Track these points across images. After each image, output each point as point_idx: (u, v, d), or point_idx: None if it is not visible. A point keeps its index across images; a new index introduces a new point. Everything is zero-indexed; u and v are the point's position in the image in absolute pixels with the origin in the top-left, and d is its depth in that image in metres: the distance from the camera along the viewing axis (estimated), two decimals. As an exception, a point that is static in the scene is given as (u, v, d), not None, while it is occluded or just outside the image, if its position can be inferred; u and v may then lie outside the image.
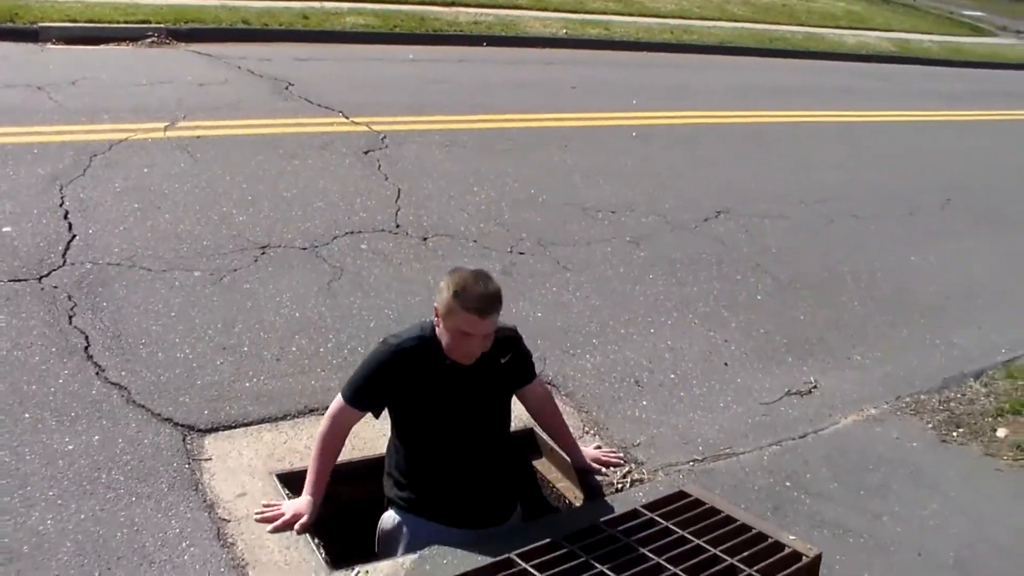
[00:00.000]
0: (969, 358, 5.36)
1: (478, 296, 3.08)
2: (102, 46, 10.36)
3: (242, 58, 10.15)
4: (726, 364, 5.00)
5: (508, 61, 12.58)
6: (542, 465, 4.08)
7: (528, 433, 4.08)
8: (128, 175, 6.26)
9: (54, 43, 10.26)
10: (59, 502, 3.30)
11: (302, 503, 3.33)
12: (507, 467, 3.54)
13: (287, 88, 9.05)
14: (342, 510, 3.62)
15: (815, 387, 4.85)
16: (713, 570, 3.08)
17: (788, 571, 3.12)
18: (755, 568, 3.10)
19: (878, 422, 4.53)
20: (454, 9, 15.18)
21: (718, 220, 7.14)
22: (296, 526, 3.27)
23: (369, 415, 3.37)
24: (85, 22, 10.98)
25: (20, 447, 3.55)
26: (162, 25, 11.25)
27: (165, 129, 7.25)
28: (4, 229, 5.25)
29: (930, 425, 4.51)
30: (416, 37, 13.16)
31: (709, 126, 10.34)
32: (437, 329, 3.21)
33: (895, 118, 12.70)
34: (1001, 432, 4.45)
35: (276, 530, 3.27)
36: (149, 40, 10.87)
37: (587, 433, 4.23)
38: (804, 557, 3.19)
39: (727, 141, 9.88)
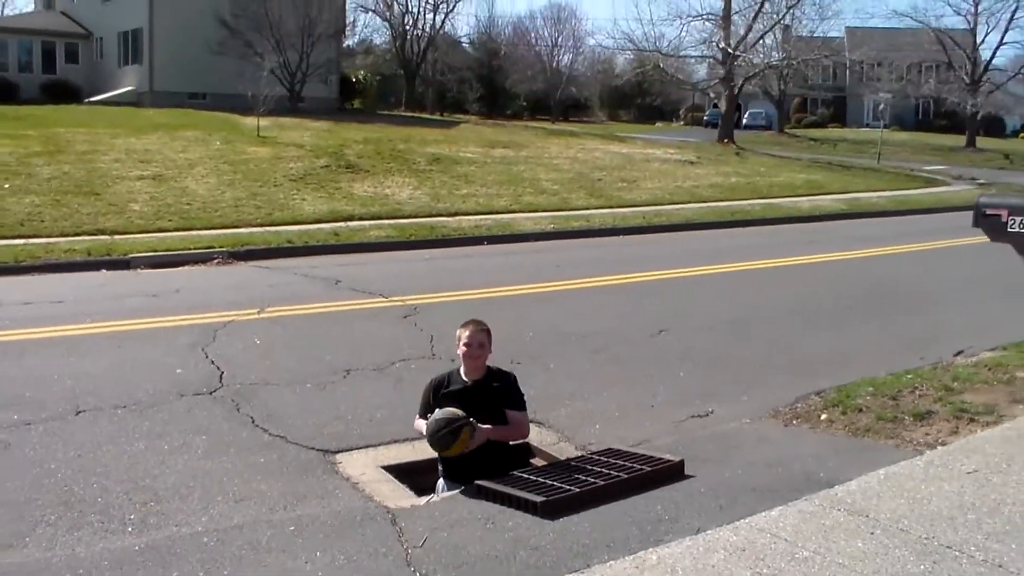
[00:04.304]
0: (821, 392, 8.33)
1: (466, 321, 6.26)
2: (181, 268, 14.06)
3: (295, 268, 13.67)
4: (652, 407, 8.04)
5: (504, 253, 16.26)
6: (536, 461, 7.06)
7: (527, 444, 7.07)
8: (244, 339, 9.52)
9: (142, 268, 13.91)
10: (265, 479, 6.32)
11: None
12: (501, 454, 6.41)
13: (336, 283, 12.50)
14: (424, 486, 6.59)
15: (712, 412, 7.85)
16: (623, 470, 6.06)
17: (663, 465, 6.12)
18: (646, 465, 6.09)
19: (748, 424, 7.52)
20: (457, 218, 19.06)
21: (659, 336, 10.31)
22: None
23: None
24: (164, 251, 14.74)
25: (237, 464, 6.58)
26: (224, 249, 14.97)
27: (258, 312, 10.60)
28: (178, 371, 8.43)
29: (781, 421, 7.50)
30: (429, 242, 16.97)
31: (664, 280, 13.76)
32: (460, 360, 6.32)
33: (822, 259, 16.22)
34: (823, 416, 7.43)
35: None
36: (216, 261, 14.52)
37: (561, 441, 7.23)
38: (673, 460, 6.19)
39: (675, 288, 13.25)
